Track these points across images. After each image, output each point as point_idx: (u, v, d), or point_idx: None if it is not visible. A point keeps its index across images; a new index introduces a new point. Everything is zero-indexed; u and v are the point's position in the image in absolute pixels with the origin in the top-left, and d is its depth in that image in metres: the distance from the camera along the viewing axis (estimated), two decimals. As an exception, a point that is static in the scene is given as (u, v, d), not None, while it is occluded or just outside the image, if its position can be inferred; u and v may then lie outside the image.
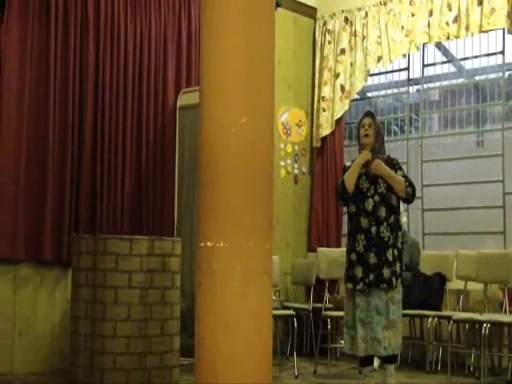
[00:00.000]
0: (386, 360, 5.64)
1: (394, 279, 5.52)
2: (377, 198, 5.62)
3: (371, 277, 5.50)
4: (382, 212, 5.59)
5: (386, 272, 5.51)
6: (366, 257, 5.55)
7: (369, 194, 5.64)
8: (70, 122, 6.84)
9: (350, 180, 5.67)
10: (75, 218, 6.84)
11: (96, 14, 7.09)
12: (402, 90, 9.11)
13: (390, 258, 5.55)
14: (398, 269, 5.57)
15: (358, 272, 5.55)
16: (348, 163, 5.92)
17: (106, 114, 7.11)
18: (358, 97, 9.34)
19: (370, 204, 5.61)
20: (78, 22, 6.96)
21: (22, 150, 6.50)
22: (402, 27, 8.46)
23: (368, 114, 5.91)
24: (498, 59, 8.24)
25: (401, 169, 5.76)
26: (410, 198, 5.71)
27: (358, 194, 5.67)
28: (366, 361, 5.70)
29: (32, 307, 6.60)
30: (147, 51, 7.51)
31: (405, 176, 5.73)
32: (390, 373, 5.63)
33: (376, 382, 5.73)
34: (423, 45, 8.52)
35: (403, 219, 7.69)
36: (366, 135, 5.74)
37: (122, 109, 7.25)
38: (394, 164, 5.74)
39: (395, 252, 5.59)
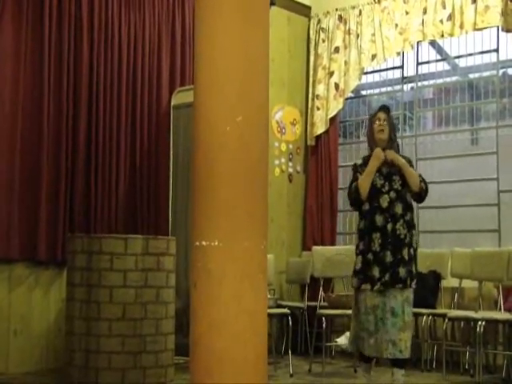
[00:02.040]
0: (396, 364, 5.36)
1: (409, 279, 5.30)
2: (392, 194, 5.38)
3: (387, 276, 5.27)
4: (399, 209, 5.36)
5: (401, 271, 5.28)
6: (382, 256, 5.30)
7: (383, 190, 5.39)
8: (64, 122, 6.83)
9: (364, 186, 5.40)
10: (70, 217, 6.84)
11: (90, 13, 7.08)
12: (396, 88, 9.11)
13: (406, 257, 5.32)
14: (413, 269, 5.35)
15: (376, 272, 5.30)
16: (359, 161, 5.63)
17: (100, 114, 7.10)
18: (353, 95, 9.35)
19: (385, 200, 5.36)
20: (72, 22, 6.95)
21: (16, 149, 6.49)
22: (396, 25, 8.46)
23: (383, 108, 5.60)
24: (492, 57, 8.24)
25: (412, 166, 5.56)
26: (423, 194, 5.46)
27: (371, 191, 5.40)
28: (368, 358, 5.50)
29: (27, 307, 6.59)
30: (141, 50, 7.51)
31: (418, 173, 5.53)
32: (398, 378, 5.35)
33: (372, 381, 5.68)
34: (417, 43, 8.52)
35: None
36: (381, 130, 5.48)
37: (117, 108, 7.25)
38: (406, 161, 5.51)
39: (411, 251, 5.36)
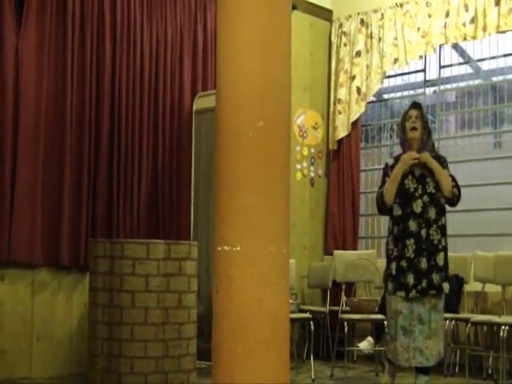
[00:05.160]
0: (420, 370, 5.36)
1: (444, 284, 5.26)
2: (426, 198, 5.26)
3: (424, 283, 5.21)
4: (432, 213, 5.25)
5: (435, 277, 5.23)
6: (417, 262, 5.22)
7: (417, 194, 5.27)
8: (87, 126, 6.86)
9: (389, 193, 5.30)
10: (92, 222, 6.86)
11: (112, 18, 7.11)
12: (419, 91, 9.07)
13: (441, 263, 5.25)
14: (447, 274, 5.30)
15: (410, 279, 5.22)
16: (390, 161, 5.50)
17: (123, 118, 7.12)
18: (375, 99, 9.32)
19: (418, 205, 5.25)
20: (95, 27, 6.99)
21: (40, 155, 6.52)
22: (419, 28, 8.43)
23: (415, 105, 5.45)
24: (516, 60, 8.20)
25: (447, 167, 5.40)
26: (455, 200, 5.33)
27: (404, 195, 5.29)
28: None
29: (50, 311, 6.62)
30: (163, 55, 7.53)
31: (451, 176, 5.37)
32: (420, 383, 5.35)
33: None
34: (440, 46, 8.48)
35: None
36: (414, 128, 5.33)
37: (139, 112, 7.27)
38: (441, 162, 5.37)
39: (445, 257, 5.29)
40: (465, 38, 8.07)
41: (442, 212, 5.32)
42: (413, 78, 9.18)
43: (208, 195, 7.40)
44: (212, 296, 3.56)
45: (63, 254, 6.61)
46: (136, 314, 5.78)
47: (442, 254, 5.28)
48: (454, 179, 5.36)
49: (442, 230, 5.31)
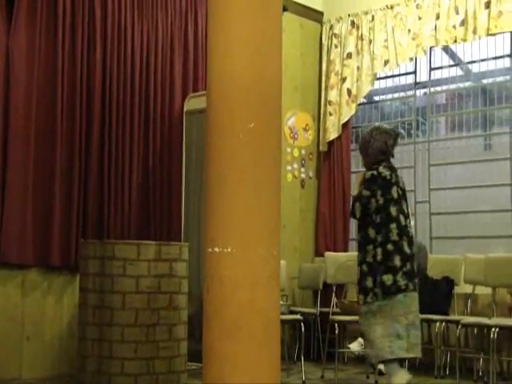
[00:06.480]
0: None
1: (362, 295, 5.70)
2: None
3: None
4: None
5: (359, 286, 5.76)
6: None
7: None
8: (78, 127, 6.85)
9: None
10: (83, 223, 6.85)
11: (103, 19, 7.10)
12: (409, 93, 9.09)
13: (359, 275, 5.71)
14: (367, 284, 5.64)
15: None
16: None
17: (113, 119, 7.12)
18: (365, 101, 9.33)
19: None
20: (86, 27, 6.97)
21: (30, 155, 6.51)
22: (409, 31, 8.44)
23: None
24: (506, 62, 8.22)
25: (366, 181, 5.76)
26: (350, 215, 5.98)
27: None
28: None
29: (40, 312, 6.60)
30: (154, 56, 7.52)
31: (357, 193, 5.80)
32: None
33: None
34: (430, 48, 8.49)
35: (411, 222, 7.67)
36: None
37: (129, 113, 7.26)
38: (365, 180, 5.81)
39: (363, 268, 5.69)
40: (455, 41, 8.09)
41: (359, 228, 5.80)
42: (403, 80, 9.19)
43: (199, 196, 7.40)
44: (203, 297, 3.56)
45: (54, 255, 6.59)
46: (127, 315, 5.78)
47: (360, 266, 5.73)
48: (353, 198, 5.94)
49: (359, 244, 5.80)
